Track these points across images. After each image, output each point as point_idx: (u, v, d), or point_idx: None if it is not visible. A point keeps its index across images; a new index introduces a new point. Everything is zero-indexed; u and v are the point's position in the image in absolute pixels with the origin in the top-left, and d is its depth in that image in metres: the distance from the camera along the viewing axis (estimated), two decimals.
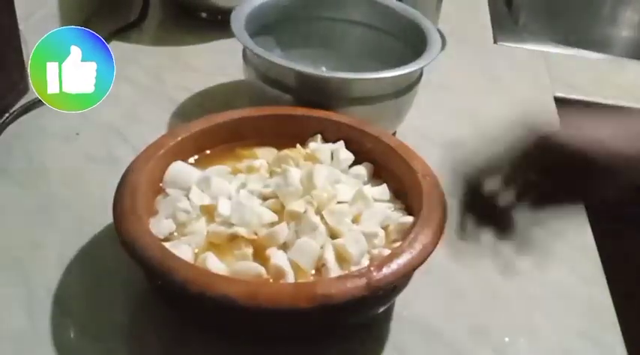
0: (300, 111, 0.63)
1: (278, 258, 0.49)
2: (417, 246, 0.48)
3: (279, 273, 0.49)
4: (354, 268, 0.49)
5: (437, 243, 0.49)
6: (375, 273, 0.46)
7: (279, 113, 0.62)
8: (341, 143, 0.61)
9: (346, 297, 0.44)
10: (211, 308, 0.47)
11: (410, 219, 0.53)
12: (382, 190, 0.57)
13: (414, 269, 0.48)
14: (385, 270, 0.46)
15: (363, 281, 0.45)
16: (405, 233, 0.51)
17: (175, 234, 0.52)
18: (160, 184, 0.55)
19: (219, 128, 0.60)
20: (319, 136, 0.61)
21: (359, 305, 0.48)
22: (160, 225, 0.51)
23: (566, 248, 0.64)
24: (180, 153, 0.57)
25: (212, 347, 0.51)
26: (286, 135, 0.61)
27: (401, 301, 0.55)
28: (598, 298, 0.59)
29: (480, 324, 0.56)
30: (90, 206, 0.62)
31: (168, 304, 0.52)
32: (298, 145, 0.60)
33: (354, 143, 0.60)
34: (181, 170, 0.56)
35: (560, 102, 0.86)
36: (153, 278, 0.49)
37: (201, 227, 0.52)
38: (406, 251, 0.47)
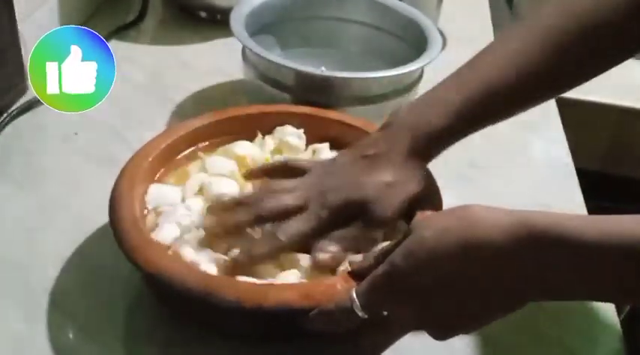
0: (257, 108, 0.64)
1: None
2: None
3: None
4: None
5: None
6: None
7: (237, 114, 0.63)
8: (325, 144, 0.61)
9: None
10: (267, 318, 0.46)
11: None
12: None
13: None
14: None
15: None
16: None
17: (179, 240, 0.51)
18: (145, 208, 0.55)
19: (183, 139, 0.59)
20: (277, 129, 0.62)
21: None
22: (163, 233, 0.51)
23: None
24: (154, 172, 0.57)
25: (211, 346, 0.51)
26: (254, 132, 0.62)
27: None
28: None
29: None
30: (88, 206, 0.62)
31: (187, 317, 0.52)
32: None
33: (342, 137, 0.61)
34: (161, 193, 0.55)
35: (562, 102, 0.86)
36: (195, 302, 0.46)
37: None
38: None
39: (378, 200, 0.50)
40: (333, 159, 0.55)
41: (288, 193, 0.51)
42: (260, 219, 0.50)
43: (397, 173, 0.51)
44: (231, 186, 0.56)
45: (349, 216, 0.51)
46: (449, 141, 0.53)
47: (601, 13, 0.50)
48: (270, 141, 0.61)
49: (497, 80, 0.51)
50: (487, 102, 0.51)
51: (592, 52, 0.52)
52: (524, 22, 0.54)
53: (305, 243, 0.50)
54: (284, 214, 0.50)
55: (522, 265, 0.39)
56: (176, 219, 0.52)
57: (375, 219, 0.51)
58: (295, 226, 0.50)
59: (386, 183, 0.51)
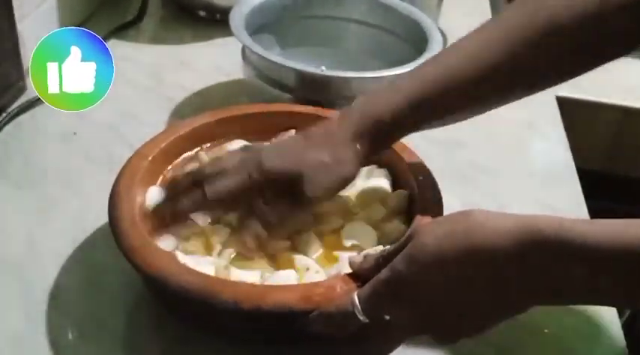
0: (257, 108, 0.63)
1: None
2: None
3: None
4: None
5: None
6: None
7: (237, 114, 0.62)
8: None
9: None
10: (265, 320, 0.46)
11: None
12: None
13: None
14: None
15: None
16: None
17: (178, 249, 0.51)
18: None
19: (182, 138, 0.59)
20: (293, 132, 0.62)
21: None
22: (162, 244, 0.51)
23: None
24: (154, 171, 0.56)
25: (210, 347, 0.51)
26: (253, 131, 0.62)
27: None
28: None
29: None
30: (87, 206, 0.62)
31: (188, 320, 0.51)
32: None
33: None
34: (160, 194, 0.55)
35: (562, 101, 0.86)
36: (193, 303, 0.46)
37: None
38: None
39: (311, 177, 0.50)
40: (278, 139, 0.55)
41: (226, 160, 0.52)
42: (197, 182, 0.51)
43: (336, 153, 0.50)
44: None
45: (279, 188, 0.50)
46: (399, 129, 0.52)
47: (574, 9, 0.48)
48: None
49: (457, 71, 0.50)
50: (442, 93, 0.50)
51: (560, 49, 0.50)
52: (492, 19, 0.53)
53: (233, 202, 0.51)
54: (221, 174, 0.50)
55: (526, 270, 0.39)
56: (175, 229, 0.52)
57: (304, 196, 0.50)
58: (223, 182, 0.50)
59: (322, 161, 0.50)
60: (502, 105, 0.52)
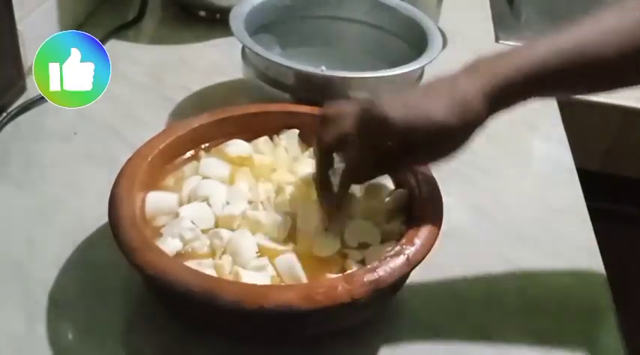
0: (256, 108, 0.63)
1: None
2: (417, 242, 0.49)
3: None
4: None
5: (434, 240, 0.50)
6: (411, 249, 0.48)
7: (236, 114, 0.62)
8: None
9: (393, 277, 0.46)
10: (267, 319, 0.46)
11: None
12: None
13: (416, 265, 0.48)
14: (418, 245, 0.49)
15: (403, 259, 0.47)
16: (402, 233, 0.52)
17: (182, 253, 0.51)
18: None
19: (182, 139, 0.59)
20: (296, 131, 0.62)
21: (401, 283, 0.51)
22: (165, 246, 0.51)
23: (569, 247, 0.64)
24: (153, 172, 0.56)
25: (211, 347, 0.51)
26: (252, 131, 0.62)
27: (401, 300, 0.55)
28: (598, 298, 0.59)
29: (480, 324, 0.55)
30: (88, 206, 0.62)
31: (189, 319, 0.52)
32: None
33: None
34: (159, 200, 0.55)
35: (562, 101, 0.86)
36: (195, 303, 0.46)
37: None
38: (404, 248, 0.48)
39: (442, 138, 0.49)
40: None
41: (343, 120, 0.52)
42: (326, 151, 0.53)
43: (464, 114, 0.48)
44: (218, 189, 0.56)
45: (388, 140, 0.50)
46: (526, 93, 0.50)
47: None
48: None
49: (597, 45, 0.49)
50: (579, 65, 0.49)
51: None
52: (623, 4, 0.52)
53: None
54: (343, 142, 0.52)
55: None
56: (179, 232, 0.52)
57: (414, 158, 0.51)
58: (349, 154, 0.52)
59: (449, 123, 0.48)
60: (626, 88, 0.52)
